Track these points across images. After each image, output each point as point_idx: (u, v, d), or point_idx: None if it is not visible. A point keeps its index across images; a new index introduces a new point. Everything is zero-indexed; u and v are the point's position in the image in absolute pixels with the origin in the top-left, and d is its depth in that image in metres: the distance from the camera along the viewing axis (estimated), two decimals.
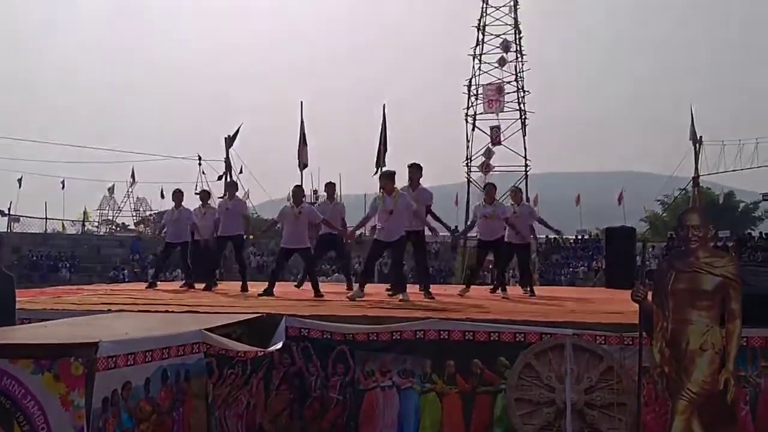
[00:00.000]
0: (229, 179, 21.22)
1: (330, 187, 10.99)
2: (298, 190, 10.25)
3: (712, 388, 4.28)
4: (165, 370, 4.55)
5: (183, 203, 11.27)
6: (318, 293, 9.20)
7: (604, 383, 5.65)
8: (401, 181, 9.05)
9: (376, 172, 12.64)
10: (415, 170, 9.29)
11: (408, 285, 8.90)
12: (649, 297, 4.60)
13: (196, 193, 12.59)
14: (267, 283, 9.56)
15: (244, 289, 10.34)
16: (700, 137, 34.45)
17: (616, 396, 5.59)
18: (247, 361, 5.69)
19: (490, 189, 10.33)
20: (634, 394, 5.21)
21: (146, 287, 10.89)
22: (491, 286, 11.03)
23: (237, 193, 11.55)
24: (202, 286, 10.73)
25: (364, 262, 9.71)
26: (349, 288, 10.52)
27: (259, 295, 9.20)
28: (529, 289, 10.40)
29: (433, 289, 9.46)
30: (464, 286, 10.23)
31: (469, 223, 10.46)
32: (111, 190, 50.39)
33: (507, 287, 10.26)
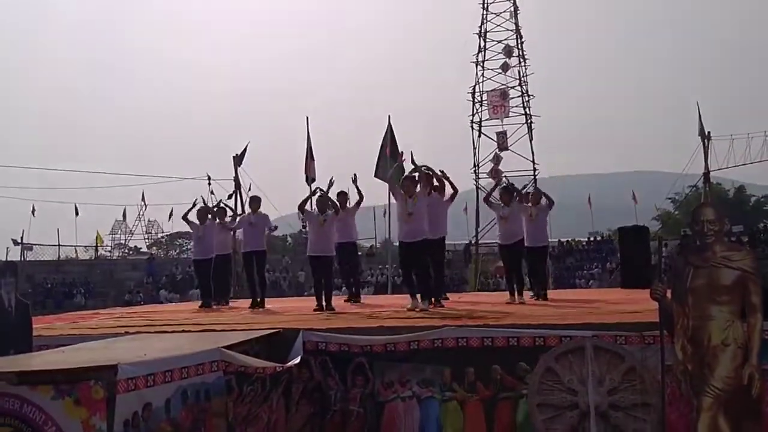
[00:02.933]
0: (245, 196, 21.22)
1: (342, 196, 10.77)
2: (322, 199, 9.71)
3: (737, 384, 4.22)
4: (185, 389, 4.54)
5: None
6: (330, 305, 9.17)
7: (627, 384, 5.58)
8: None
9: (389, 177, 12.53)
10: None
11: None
12: (668, 294, 4.56)
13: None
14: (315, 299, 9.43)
15: (262, 305, 10.35)
16: (709, 132, 34.24)
17: (639, 396, 5.53)
18: (266, 377, 5.67)
19: (503, 193, 10.19)
20: (657, 394, 5.15)
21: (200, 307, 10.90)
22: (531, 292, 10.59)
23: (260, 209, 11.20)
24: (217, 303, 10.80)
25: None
26: (351, 299, 10.50)
27: (315, 310, 9.04)
28: (541, 293, 10.12)
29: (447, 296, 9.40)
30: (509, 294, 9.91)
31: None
32: (124, 214, 50.61)
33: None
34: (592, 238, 40.30)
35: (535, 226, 9.90)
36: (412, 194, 8.49)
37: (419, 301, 8.40)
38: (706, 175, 34.90)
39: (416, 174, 8.88)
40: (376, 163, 13.88)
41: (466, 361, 5.95)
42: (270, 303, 10.97)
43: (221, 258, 11.27)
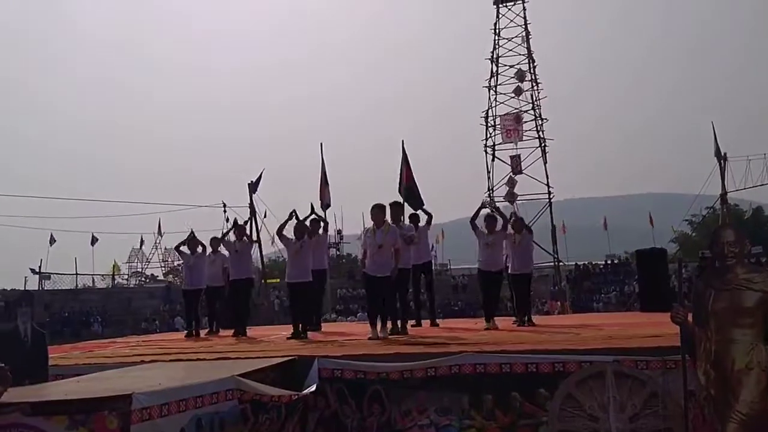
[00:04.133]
0: (260, 223, 21.32)
1: (314, 223, 10.38)
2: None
3: (762, 408, 4.11)
4: (199, 419, 4.51)
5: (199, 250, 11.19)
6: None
7: (649, 410, 5.48)
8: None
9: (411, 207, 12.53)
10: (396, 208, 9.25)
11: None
12: (689, 318, 4.47)
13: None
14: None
15: (244, 333, 10.33)
16: (725, 153, 34.03)
17: (662, 422, 5.42)
18: (281, 405, 5.62)
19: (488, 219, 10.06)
20: (680, 420, 5.03)
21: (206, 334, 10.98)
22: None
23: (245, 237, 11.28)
24: (229, 332, 10.76)
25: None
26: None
27: (288, 338, 9.10)
28: (525, 319, 10.05)
29: (463, 323, 9.32)
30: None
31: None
32: (141, 242, 50.88)
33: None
34: (609, 261, 40.01)
35: (520, 252, 9.98)
36: (381, 224, 8.45)
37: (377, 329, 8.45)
38: (723, 196, 34.63)
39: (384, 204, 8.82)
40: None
41: (485, 388, 5.88)
42: (281, 329, 10.93)
43: (214, 289, 11.24)
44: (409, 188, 12.64)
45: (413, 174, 13.10)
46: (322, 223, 10.55)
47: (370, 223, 10.00)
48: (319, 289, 10.74)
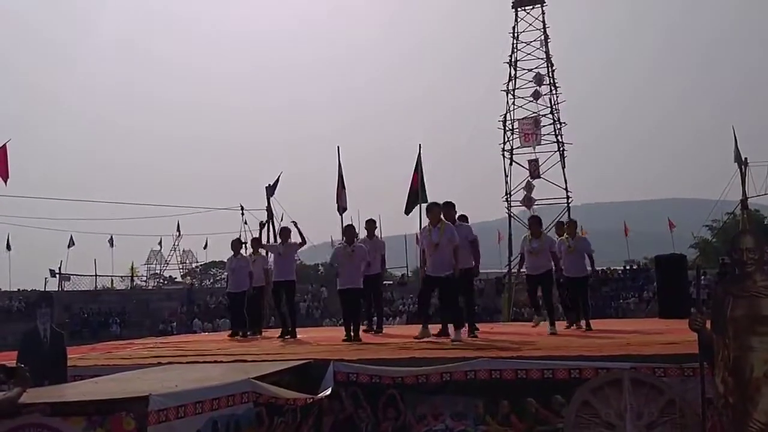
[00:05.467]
0: (277, 226, 21.41)
1: (370, 224, 10.72)
2: (349, 229, 9.88)
3: None
4: (215, 421, 4.53)
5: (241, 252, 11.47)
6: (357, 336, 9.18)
7: (666, 417, 5.43)
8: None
9: (410, 212, 12.67)
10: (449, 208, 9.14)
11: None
12: (708, 325, 4.43)
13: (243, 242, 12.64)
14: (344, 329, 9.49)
15: (293, 334, 10.36)
16: (746, 159, 33.64)
17: (679, 430, 5.36)
18: (296, 408, 5.63)
19: (532, 223, 10.17)
20: (698, 428, 4.98)
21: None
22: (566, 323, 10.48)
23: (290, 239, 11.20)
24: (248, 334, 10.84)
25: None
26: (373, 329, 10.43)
27: (344, 340, 9.09)
28: (584, 323, 9.96)
29: (481, 327, 9.28)
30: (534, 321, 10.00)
31: (518, 257, 10.13)
32: (160, 244, 51.30)
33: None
34: (627, 267, 39.73)
35: (574, 257, 9.91)
36: (437, 223, 8.49)
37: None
38: (744, 201, 34.23)
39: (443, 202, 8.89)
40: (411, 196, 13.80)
41: (500, 394, 5.85)
42: (301, 333, 10.98)
43: (256, 289, 11.38)
44: (414, 193, 12.76)
45: (416, 179, 13.17)
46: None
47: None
48: (372, 293, 10.51)
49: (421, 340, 8.25)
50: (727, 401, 4.27)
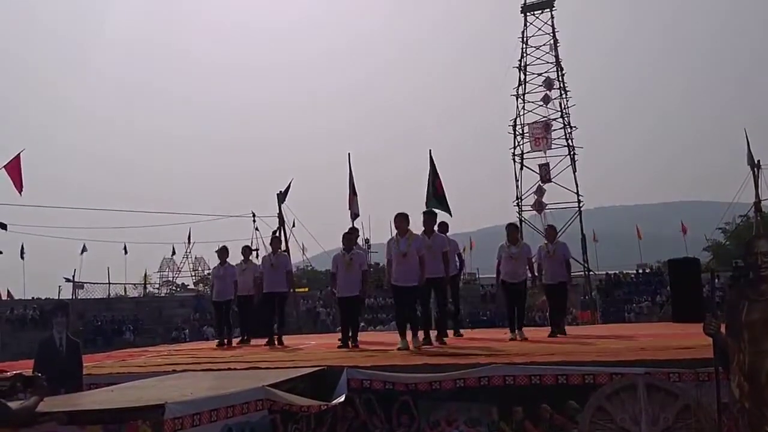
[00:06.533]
0: (276, 234, 21.46)
1: (354, 231, 10.71)
2: (348, 235, 9.73)
3: None
4: (230, 428, 4.55)
5: (228, 260, 11.39)
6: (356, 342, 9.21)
7: (682, 423, 5.41)
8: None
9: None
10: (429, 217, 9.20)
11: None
12: (722, 329, 4.41)
13: (254, 249, 12.73)
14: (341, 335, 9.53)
15: (280, 342, 10.49)
16: (758, 161, 33.44)
17: None
18: (310, 415, 5.64)
19: (511, 230, 10.12)
20: None
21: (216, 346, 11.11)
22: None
23: (281, 248, 11.39)
24: (263, 342, 10.85)
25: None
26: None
27: (339, 347, 9.16)
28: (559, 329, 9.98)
29: (493, 333, 9.26)
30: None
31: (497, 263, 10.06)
32: (173, 251, 51.47)
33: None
34: (640, 271, 39.50)
35: (553, 262, 10.00)
36: (405, 233, 8.51)
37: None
38: (757, 204, 34.03)
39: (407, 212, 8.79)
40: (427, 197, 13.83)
41: (514, 400, 5.84)
42: (312, 338, 11.02)
43: (243, 298, 11.36)
44: (441, 197, 12.77)
45: (442, 183, 13.19)
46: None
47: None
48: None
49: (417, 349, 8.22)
50: (743, 406, 4.24)
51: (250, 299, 11.36)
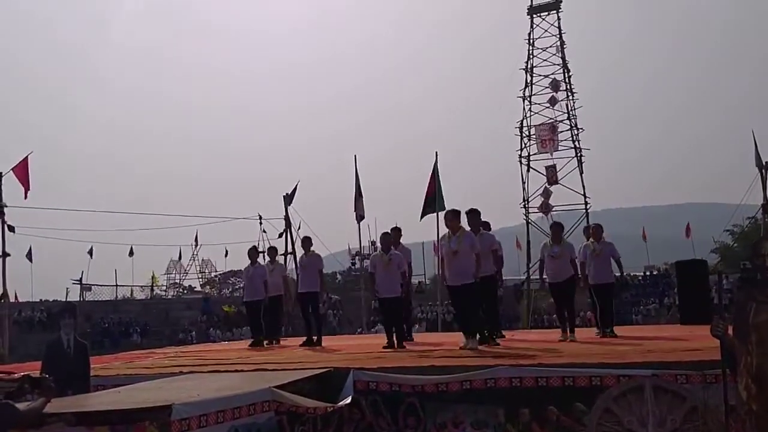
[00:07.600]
0: (295, 235, 21.54)
1: (396, 232, 10.29)
2: (385, 236, 9.53)
3: None
4: (237, 429, 4.56)
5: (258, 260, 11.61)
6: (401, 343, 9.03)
7: (689, 425, 5.39)
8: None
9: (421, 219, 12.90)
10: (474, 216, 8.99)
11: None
12: (730, 331, 4.39)
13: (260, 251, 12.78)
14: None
15: (319, 342, 10.42)
16: (766, 163, 33.27)
17: None
18: (317, 417, 5.64)
19: (555, 229, 10.08)
20: None
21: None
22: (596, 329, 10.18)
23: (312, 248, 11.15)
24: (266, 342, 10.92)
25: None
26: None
27: (384, 347, 8.93)
28: (609, 330, 9.75)
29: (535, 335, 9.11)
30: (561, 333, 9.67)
31: (537, 263, 9.99)
32: (180, 254, 51.55)
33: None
34: (647, 273, 39.37)
35: (600, 262, 9.71)
36: (457, 230, 8.27)
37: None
38: (765, 206, 33.82)
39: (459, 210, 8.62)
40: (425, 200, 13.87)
41: (521, 402, 5.83)
42: (349, 339, 11.06)
43: (273, 298, 11.40)
44: (430, 200, 12.86)
45: (433, 186, 13.24)
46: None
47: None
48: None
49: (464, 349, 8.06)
50: (750, 408, 4.22)
51: (279, 299, 11.46)
